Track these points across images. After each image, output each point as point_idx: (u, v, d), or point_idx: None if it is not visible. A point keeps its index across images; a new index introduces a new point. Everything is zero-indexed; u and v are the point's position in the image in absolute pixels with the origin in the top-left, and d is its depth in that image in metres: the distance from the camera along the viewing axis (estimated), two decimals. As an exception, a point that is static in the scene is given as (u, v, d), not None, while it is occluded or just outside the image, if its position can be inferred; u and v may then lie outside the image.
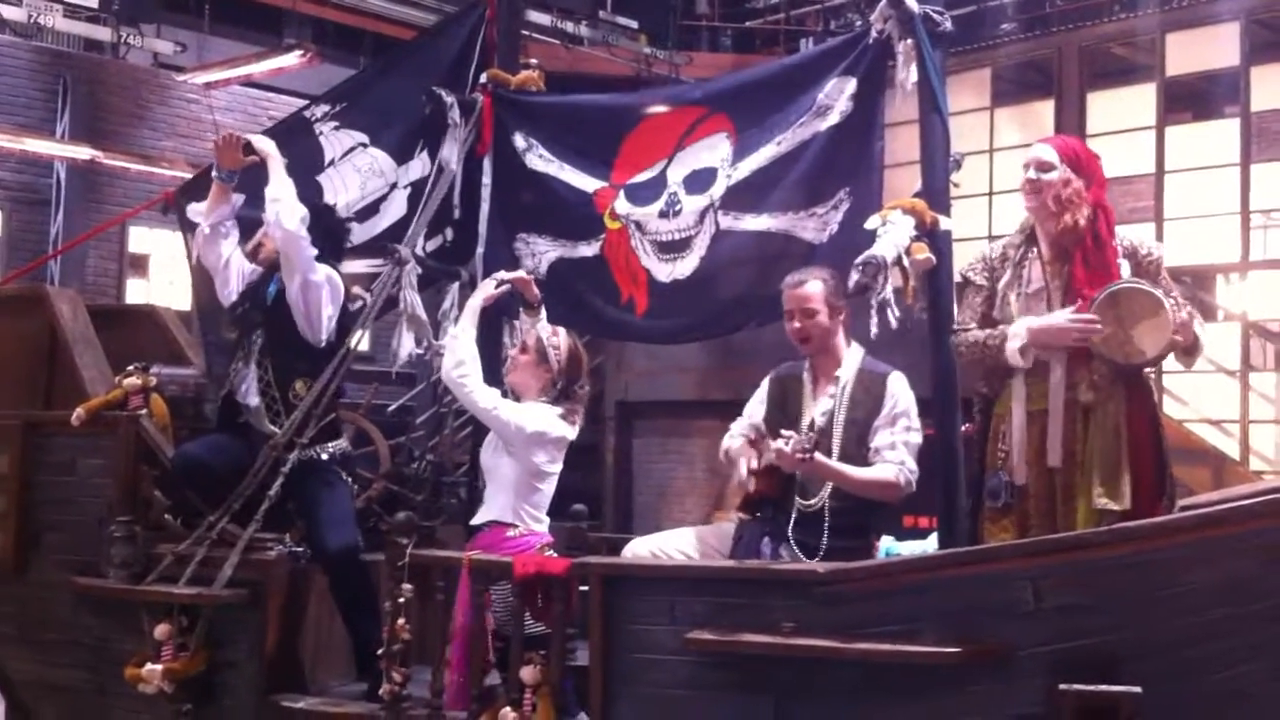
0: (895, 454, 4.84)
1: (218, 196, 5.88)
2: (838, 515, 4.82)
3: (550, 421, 5.18)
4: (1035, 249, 4.80)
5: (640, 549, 5.10)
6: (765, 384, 5.20)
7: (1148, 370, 4.80)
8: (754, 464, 4.77)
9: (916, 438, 4.90)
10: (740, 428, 5.15)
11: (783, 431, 4.64)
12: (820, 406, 4.95)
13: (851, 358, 5.01)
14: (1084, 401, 4.56)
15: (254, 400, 5.70)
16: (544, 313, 5.53)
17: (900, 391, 4.93)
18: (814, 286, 4.98)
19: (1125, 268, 4.66)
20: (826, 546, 4.77)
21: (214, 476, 5.63)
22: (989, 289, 4.83)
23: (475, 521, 5.32)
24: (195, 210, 6.28)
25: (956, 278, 5.02)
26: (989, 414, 4.81)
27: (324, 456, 5.68)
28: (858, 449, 4.86)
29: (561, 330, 5.41)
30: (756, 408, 5.18)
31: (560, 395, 5.29)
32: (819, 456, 4.64)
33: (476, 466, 5.76)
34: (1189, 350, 4.61)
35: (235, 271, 5.91)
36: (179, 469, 5.71)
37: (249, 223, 5.97)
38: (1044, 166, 4.74)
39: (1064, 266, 4.70)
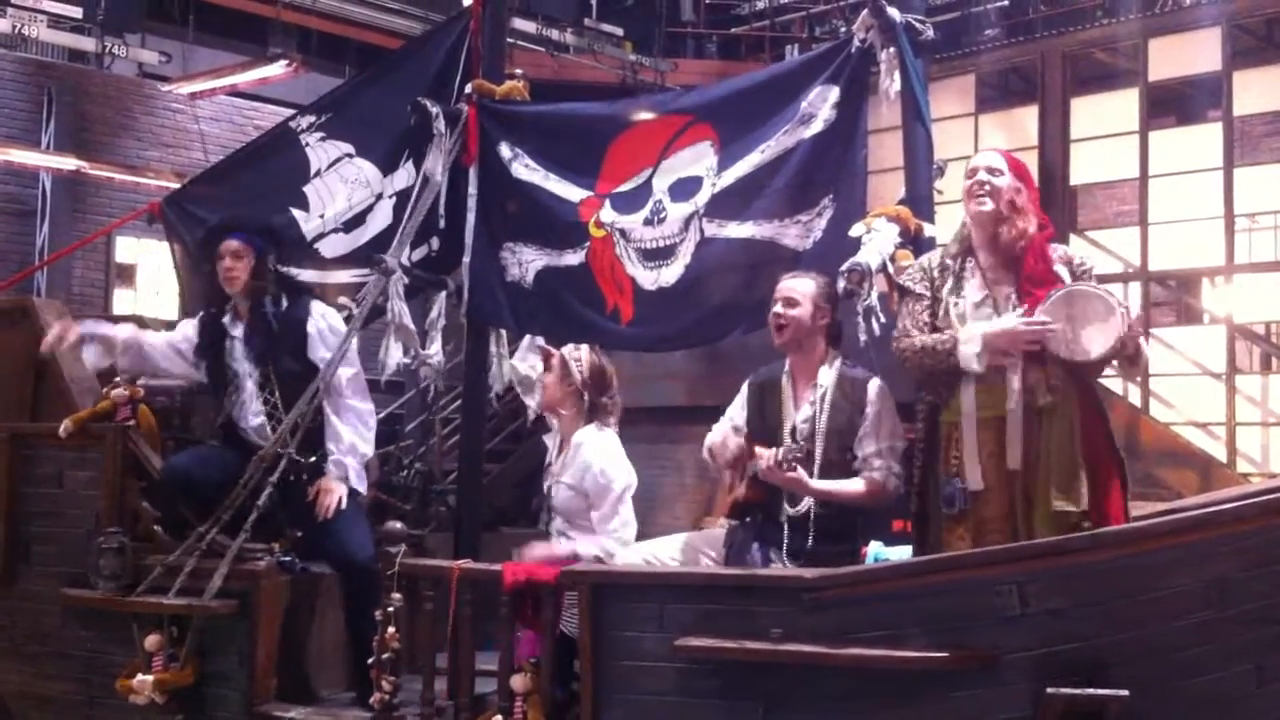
0: (883, 461, 4.90)
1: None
2: (823, 520, 4.86)
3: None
4: (974, 259, 4.74)
5: (632, 557, 5.12)
6: (745, 388, 5.23)
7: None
8: (733, 448, 4.84)
9: (901, 443, 4.95)
10: (721, 429, 5.18)
11: (758, 450, 4.72)
12: (802, 414, 4.98)
13: (831, 364, 5.03)
14: (1041, 404, 4.55)
15: (256, 421, 5.76)
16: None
17: (882, 397, 4.96)
18: (804, 283, 5.03)
19: (1065, 275, 4.67)
20: (813, 550, 4.81)
21: (202, 489, 5.65)
22: (930, 298, 4.75)
23: None
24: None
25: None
26: (932, 421, 4.78)
27: (324, 463, 5.72)
28: (840, 455, 4.89)
29: (584, 346, 5.54)
30: (737, 411, 5.21)
31: (590, 408, 5.43)
32: (805, 478, 4.71)
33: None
34: (1132, 359, 4.59)
35: (172, 351, 6.01)
36: (167, 482, 5.72)
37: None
38: (995, 171, 4.71)
39: (1007, 274, 4.66)
